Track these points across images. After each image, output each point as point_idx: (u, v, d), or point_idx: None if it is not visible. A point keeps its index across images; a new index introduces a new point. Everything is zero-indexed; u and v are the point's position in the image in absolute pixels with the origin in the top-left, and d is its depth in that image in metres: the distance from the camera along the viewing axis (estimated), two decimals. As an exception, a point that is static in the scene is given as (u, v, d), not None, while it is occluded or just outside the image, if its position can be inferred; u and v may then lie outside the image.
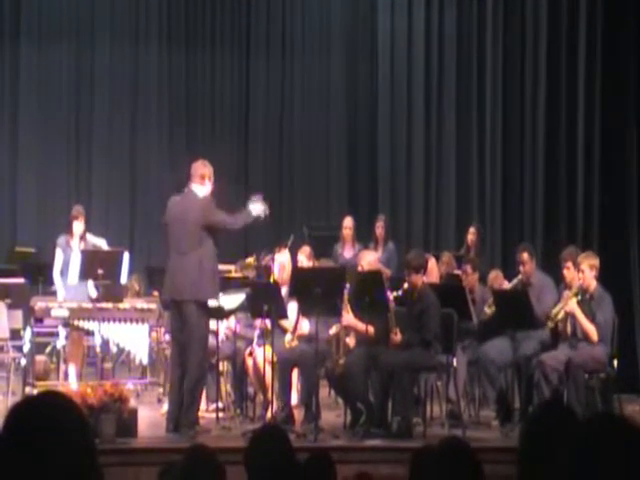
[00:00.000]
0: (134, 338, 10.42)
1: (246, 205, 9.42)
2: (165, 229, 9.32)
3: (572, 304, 9.27)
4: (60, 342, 11.38)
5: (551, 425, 2.86)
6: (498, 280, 10.40)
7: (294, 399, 9.82)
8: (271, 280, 9.94)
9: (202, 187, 9.24)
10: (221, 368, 10.22)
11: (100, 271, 10.56)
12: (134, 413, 8.77)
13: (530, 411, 9.27)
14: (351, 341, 9.44)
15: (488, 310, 9.85)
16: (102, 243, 11.66)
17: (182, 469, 3.90)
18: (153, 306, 10.60)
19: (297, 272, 9.75)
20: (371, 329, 9.23)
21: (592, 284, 9.37)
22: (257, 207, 9.39)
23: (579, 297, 9.33)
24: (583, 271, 9.33)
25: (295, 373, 9.79)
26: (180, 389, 8.97)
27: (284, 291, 9.60)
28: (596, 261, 9.41)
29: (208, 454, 4.01)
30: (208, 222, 9.00)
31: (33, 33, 15.61)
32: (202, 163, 9.40)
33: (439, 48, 14.84)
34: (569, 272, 9.53)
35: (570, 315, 9.33)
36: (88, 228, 11.70)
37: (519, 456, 2.89)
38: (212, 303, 9.31)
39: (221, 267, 11.00)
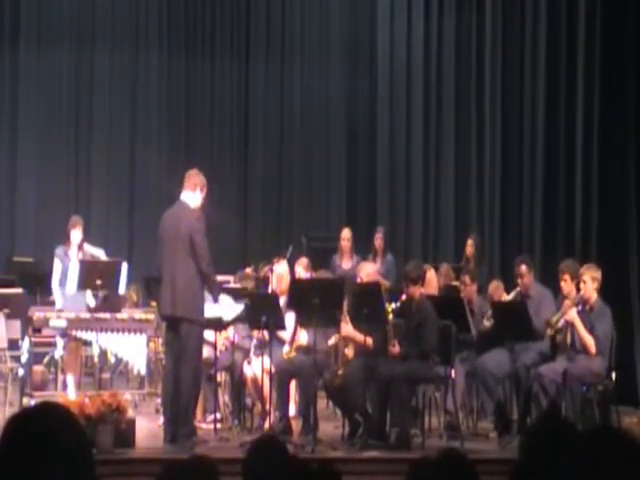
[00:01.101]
0: (132, 348, 10.40)
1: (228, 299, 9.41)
2: (159, 244, 9.26)
3: (572, 313, 9.27)
4: (58, 352, 11.36)
5: (550, 438, 2.86)
6: (498, 291, 10.39)
7: (292, 410, 9.81)
8: (269, 291, 9.94)
9: (193, 195, 9.19)
10: (219, 379, 10.21)
11: (98, 281, 10.56)
12: (132, 423, 8.76)
13: (529, 424, 9.27)
14: (350, 352, 9.44)
15: (487, 322, 9.84)
16: (100, 253, 11.65)
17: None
18: (151, 316, 10.59)
19: (295, 283, 9.75)
20: (369, 340, 9.22)
21: (593, 296, 9.36)
22: (230, 306, 9.38)
23: (579, 307, 9.33)
24: (585, 282, 9.32)
25: (293, 384, 9.78)
26: (175, 400, 8.95)
27: (282, 302, 9.59)
28: (598, 274, 9.40)
29: (208, 465, 4.01)
30: (191, 237, 8.95)
31: (32, 38, 15.63)
32: (196, 172, 9.36)
33: (438, 54, 14.88)
34: (566, 284, 9.53)
35: (570, 324, 9.32)
36: (87, 238, 11.70)
37: (518, 468, 2.89)
38: (210, 314, 9.31)
39: (219, 278, 11.03)
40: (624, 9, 11.82)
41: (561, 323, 9.38)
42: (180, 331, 8.95)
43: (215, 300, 9.22)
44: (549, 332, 9.47)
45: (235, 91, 16.11)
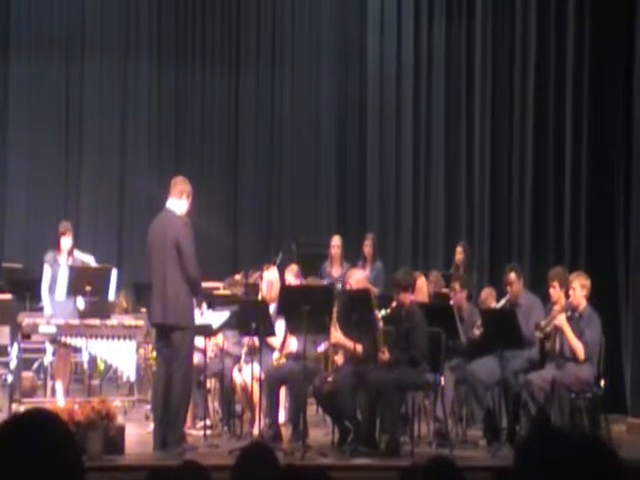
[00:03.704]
0: (122, 355, 10.39)
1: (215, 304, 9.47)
2: (148, 253, 9.24)
3: (561, 319, 9.29)
4: (47, 358, 11.36)
5: (543, 449, 2.86)
6: (490, 298, 10.41)
7: (282, 417, 9.81)
8: (259, 298, 9.95)
9: (179, 202, 9.18)
10: (209, 385, 10.21)
11: (88, 287, 10.55)
12: (121, 430, 8.75)
13: (518, 431, 9.28)
14: (339, 359, 9.44)
15: (477, 331, 9.84)
16: (90, 259, 11.64)
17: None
18: (141, 323, 10.58)
19: (285, 290, 9.75)
20: (359, 347, 9.23)
21: (582, 303, 9.40)
22: (216, 315, 9.43)
23: (568, 313, 9.35)
24: (574, 289, 9.36)
25: (283, 391, 9.78)
26: (165, 406, 8.95)
27: (272, 309, 9.60)
28: (587, 281, 9.44)
29: (199, 471, 4.01)
30: (178, 244, 8.94)
31: (23, 46, 15.63)
32: (182, 179, 9.36)
33: (428, 60, 14.93)
34: (555, 291, 9.56)
35: (559, 330, 9.34)
36: (76, 244, 11.68)
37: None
38: (199, 321, 9.31)
39: (209, 284, 11.01)
40: (613, 15, 11.85)
41: (550, 327, 9.40)
42: (172, 338, 8.94)
43: (198, 305, 9.22)
44: (538, 335, 9.49)
45: (225, 98, 16.12)
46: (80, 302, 11.01)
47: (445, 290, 11.08)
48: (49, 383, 11.43)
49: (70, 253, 11.45)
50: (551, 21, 12.71)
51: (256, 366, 9.38)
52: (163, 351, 9.11)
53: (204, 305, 9.30)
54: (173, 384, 8.91)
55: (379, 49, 15.41)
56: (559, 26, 12.55)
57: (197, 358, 9.77)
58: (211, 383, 10.34)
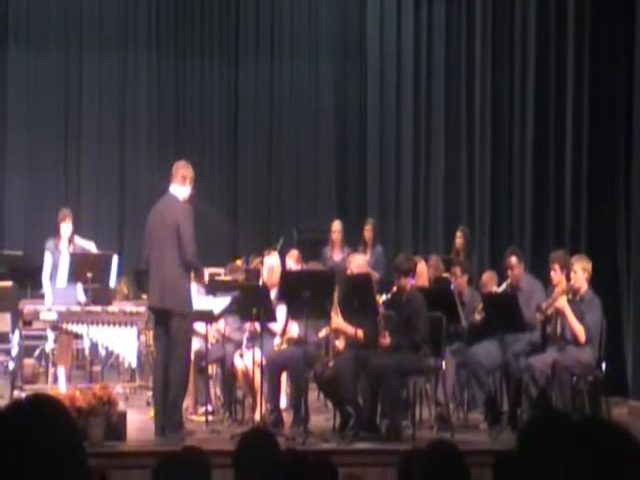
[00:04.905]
0: (123, 341, 10.39)
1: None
2: (147, 237, 9.21)
3: (562, 301, 9.30)
4: (49, 345, 11.36)
5: (544, 432, 2.86)
6: (491, 282, 10.41)
7: (283, 402, 9.82)
8: (260, 283, 9.95)
9: (182, 188, 9.16)
10: (210, 371, 10.22)
11: (89, 274, 10.55)
12: (123, 416, 8.75)
13: (519, 415, 9.30)
14: (340, 344, 9.45)
15: (478, 316, 9.84)
16: (91, 246, 11.64)
17: (176, 471, 3.91)
18: (142, 309, 10.57)
19: (286, 275, 9.76)
20: (360, 332, 9.23)
21: (583, 286, 9.40)
22: (220, 300, 9.45)
23: (570, 296, 9.36)
24: (575, 272, 9.36)
25: (284, 376, 9.79)
26: (164, 393, 8.95)
27: (273, 294, 9.60)
28: (589, 265, 9.44)
29: (200, 456, 4.03)
30: (177, 227, 8.91)
31: (21, 39, 15.61)
32: (184, 164, 9.30)
33: (428, 49, 14.90)
34: (556, 274, 9.56)
35: (560, 312, 9.34)
36: (77, 231, 11.68)
37: (511, 459, 2.90)
38: (200, 306, 9.31)
39: (210, 270, 11.01)
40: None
41: (551, 310, 9.40)
42: (170, 324, 8.94)
43: (200, 282, 9.23)
44: (539, 316, 9.48)
45: (225, 89, 16.11)
46: (81, 295, 11.00)
47: (445, 274, 11.09)
48: (51, 370, 11.43)
49: (70, 240, 11.44)
50: (551, 3, 12.69)
51: (257, 352, 9.39)
52: (161, 337, 9.10)
53: (201, 287, 9.31)
54: (171, 371, 8.91)
55: (379, 35, 15.37)
56: (559, 7, 12.53)
57: (198, 344, 9.78)
58: (212, 369, 10.35)
